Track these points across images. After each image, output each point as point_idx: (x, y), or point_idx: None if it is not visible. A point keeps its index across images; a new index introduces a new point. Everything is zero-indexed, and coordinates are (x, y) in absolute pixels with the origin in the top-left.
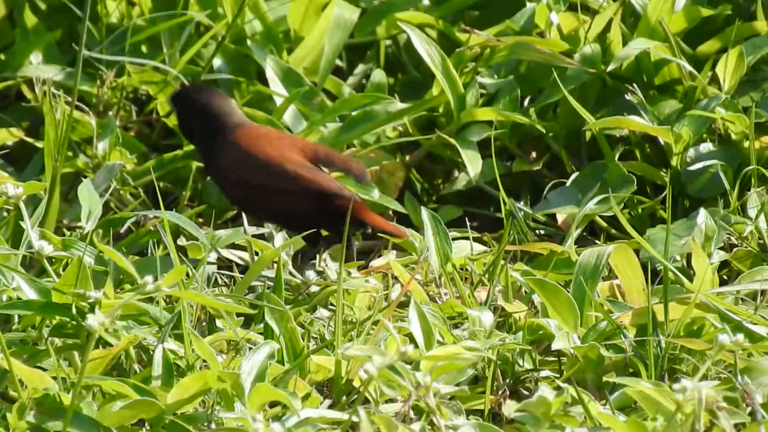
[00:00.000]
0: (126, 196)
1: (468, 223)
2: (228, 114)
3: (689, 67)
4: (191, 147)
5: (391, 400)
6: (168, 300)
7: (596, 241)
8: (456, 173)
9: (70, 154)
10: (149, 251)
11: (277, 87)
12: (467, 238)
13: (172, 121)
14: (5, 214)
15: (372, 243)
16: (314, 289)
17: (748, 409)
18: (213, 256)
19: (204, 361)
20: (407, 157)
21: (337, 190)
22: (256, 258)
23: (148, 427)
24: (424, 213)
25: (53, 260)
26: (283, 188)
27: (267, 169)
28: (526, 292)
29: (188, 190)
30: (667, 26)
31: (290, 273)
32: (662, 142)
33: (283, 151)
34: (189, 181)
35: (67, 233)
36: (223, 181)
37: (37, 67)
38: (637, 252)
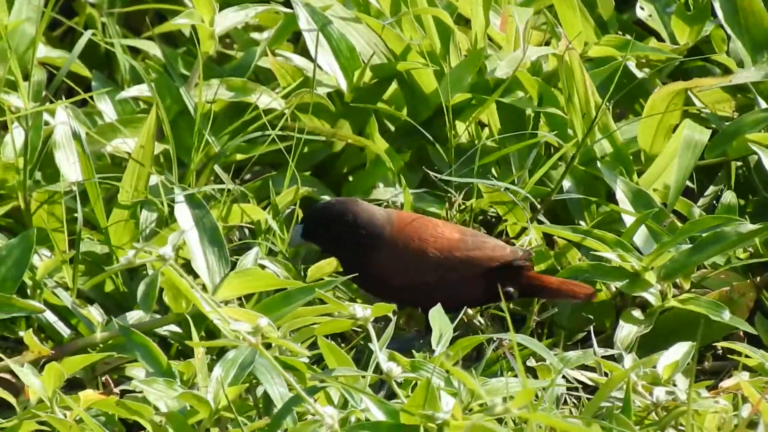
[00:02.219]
0: (474, 321)
1: None
2: (373, 221)
3: None
4: (543, 266)
5: None
6: (516, 422)
7: None
8: None
9: None
10: (500, 372)
11: (627, 208)
12: None
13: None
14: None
15: (721, 364)
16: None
17: None
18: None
19: None
20: (758, 278)
21: (513, 255)
22: (605, 379)
23: None
24: None
25: (402, 382)
26: (457, 277)
27: (435, 265)
28: None
29: (533, 312)
30: None
31: (639, 393)
32: None
33: (444, 238)
34: (535, 303)
35: None
36: (379, 288)
37: (384, 190)
38: None
